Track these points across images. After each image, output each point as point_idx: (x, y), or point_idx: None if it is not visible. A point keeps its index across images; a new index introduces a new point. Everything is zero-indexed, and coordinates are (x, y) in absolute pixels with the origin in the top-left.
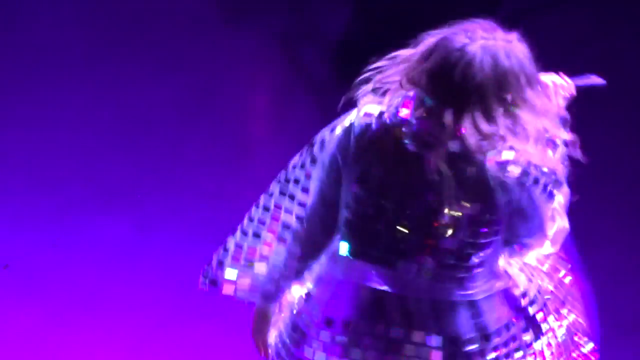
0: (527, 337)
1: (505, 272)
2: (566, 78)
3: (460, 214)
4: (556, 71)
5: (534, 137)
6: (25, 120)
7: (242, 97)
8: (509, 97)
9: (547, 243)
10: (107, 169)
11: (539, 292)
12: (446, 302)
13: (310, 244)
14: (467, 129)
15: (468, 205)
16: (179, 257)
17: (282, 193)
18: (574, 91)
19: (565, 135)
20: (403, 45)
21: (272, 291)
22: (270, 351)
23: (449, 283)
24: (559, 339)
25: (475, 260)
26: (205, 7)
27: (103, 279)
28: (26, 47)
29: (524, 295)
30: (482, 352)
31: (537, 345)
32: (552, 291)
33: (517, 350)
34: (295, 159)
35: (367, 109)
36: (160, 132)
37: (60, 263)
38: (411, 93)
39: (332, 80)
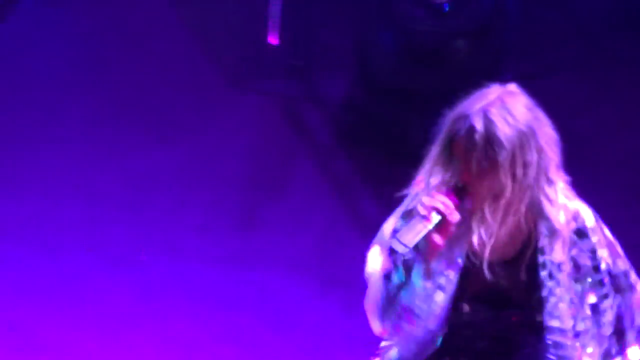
0: None
1: None
2: None
3: None
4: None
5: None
6: (28, 187)
7: (246, 162)
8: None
9: None
10: (111, 235)
11: None
12: None
13: None
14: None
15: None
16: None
17: None
18: None
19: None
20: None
21: None
22: None
23: None
24: None
25: None
26: (208, 71)
27: (105, 346)
28: (28, 110)
29: None
30: None
31: None
32: None
33: None
34: None
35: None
36: (163, 196)
37: (66, 327)
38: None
39: (335, 144)
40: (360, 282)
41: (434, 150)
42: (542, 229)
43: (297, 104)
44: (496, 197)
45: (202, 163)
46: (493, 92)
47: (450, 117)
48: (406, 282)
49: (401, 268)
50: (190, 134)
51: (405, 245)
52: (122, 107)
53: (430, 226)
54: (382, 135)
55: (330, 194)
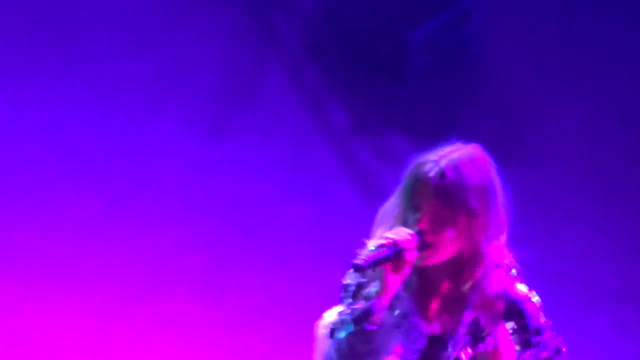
0: None
1: None
2: None
3: None
4: None
5: None
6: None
7: (216, 70)
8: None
9: None
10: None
11: None
12: None
13: None
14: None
15: None
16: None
17: None
18: None
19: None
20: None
21: None
22: None
23: None
24: None
25: None
26: None
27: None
28: None
29: None
30: None
31: None
32: None
33: None
34: None
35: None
36: (131, 104)
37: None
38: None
39: (307, 51)
40: (327, 189)
41: (395, 200)
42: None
43: (268, 11)
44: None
45: (171, 70)
46: (458, 148)
47: (415, 162)
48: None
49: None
50: (159, 42)
51: (364, 260)
52: (89, 16)
53: (389, 254)
54: (352, 43)
55: (299, 101)
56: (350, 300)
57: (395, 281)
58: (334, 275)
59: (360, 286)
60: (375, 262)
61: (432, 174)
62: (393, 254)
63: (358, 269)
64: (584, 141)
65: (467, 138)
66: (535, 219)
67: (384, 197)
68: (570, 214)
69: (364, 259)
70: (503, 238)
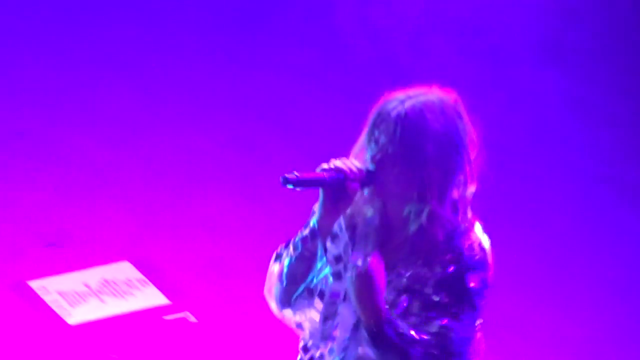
0: None
1: None
2: None
3: None
4: None
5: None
6: None
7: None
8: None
9: None
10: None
11: None
12: None
13: None
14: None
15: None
16: (187, 130)
17: None
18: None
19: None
20: None
21: None
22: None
23: None
24: None
25: None
26: None
27: (110, 148)
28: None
29: None
30: None
31: None
32: None
33: None
34: None
35: None
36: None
37: (70, 130)
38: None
39: None
40: None
41: (360, 137)
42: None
43: None
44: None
45: None
46: (433, 91)
47: (383, 97)
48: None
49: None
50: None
51: (295, 176)
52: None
53: (327, 177)
54: None
55: None
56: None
57: (333, 209)
58: None
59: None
60: (308, 182)
61: (394, 112)
62: (332, 180)
63: (285, 181)
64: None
65: None
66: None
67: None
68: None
69: (296, 175)
70: (465, 192)
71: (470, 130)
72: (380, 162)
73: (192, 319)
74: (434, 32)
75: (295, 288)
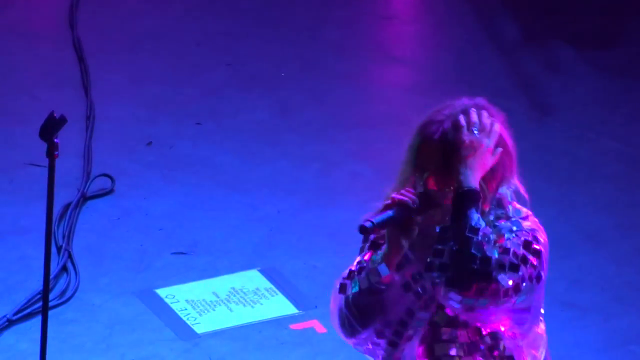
0: None
1: None
2: None
3: None
4: None
5: None
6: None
7: None
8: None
9: None
10: (249, 53)
11: None
12: None
13: None
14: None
15: None
16: (319, 141)
17: None
18: None
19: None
20: None
21: None
22: None
23: None
24: None
25: None
26: None
27: (241, 159)
28: None
29: None
30: None
31: None
32: None
33: None
34: None
35: None
36: (302, 15)
37: (202, 141)
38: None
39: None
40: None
41: (404, 161)
42: None
43: None
44: None
45: None
46: (463, 102)
47: (421, 123)
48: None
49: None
50: None
51: (371, 222)
52: None
53: (393, 214)
54: None
55: (468, 13)
56: (362, 258)
57: (401, 242)
58: None
59: (374, 245)
60: (381, 224)
61: (436, 135)
62: (398, 215)
63: (364, 231)
64: None
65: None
66: None
67: (550, 109)
68: None
69: (370, 221)
70: (507, 191)
71: (506, 135)
72: (432, 186)
73: (321, 328)
74: None
75: (369, 318)
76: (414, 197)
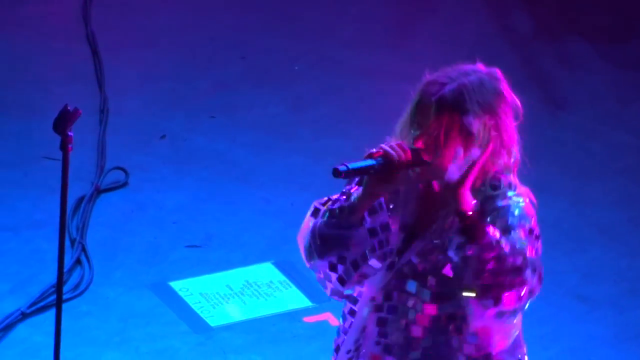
0: None
1: None
2: None
3: None
4: None
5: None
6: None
7: None
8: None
9: None
10: (262, 49)
11: None
12: None
13: None
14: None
15: None
16: (333, 136)
17: None
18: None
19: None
20: None
21: None
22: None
23: None
24: None
25: None
26: None
27: (255, 153)
28: None
29: None
30: None
31: None
32: None
33: None
34: None
35: None
36: (317, 10)
37: (216, 134)
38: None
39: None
40: None
41: (405, 114)
42: None
43: None
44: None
45: None
46: (475, 69)
47: (425, 80)
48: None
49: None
50: None
51: (345, 166)
52: None
53: (375, 163)
54: None
55: (482, 7)
56: (345, 189)
57: (378, 190)
58: None
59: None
60: (356, 170)
61: (435, 96)
62: (380, 164)
63: (337, 173)
64: None
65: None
66: None
67: (564, 103)
68: None
69: (345, 165)
70: (507, 168)
71: (511, 106)
72: (424, 144)
73: (335, 321)
74: None
75: (328, 249)
76: (401, 151)
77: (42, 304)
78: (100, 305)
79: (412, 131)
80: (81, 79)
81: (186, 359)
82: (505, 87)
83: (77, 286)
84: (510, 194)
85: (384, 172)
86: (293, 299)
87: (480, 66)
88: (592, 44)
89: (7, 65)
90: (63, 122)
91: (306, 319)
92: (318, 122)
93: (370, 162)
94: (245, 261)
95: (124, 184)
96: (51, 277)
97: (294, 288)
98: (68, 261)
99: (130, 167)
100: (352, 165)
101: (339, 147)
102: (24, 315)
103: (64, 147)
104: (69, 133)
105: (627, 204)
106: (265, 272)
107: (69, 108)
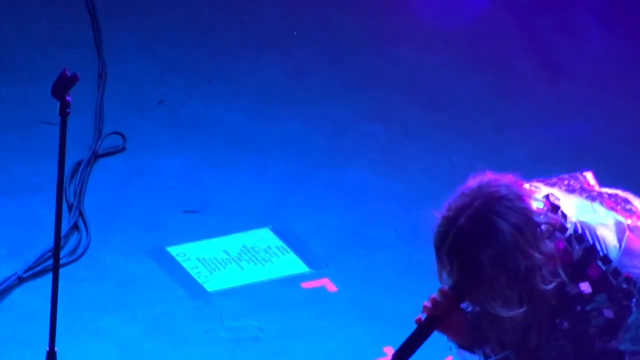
0: None
1: None
2: None
3: None
4: None
5: None
6: None
7: None
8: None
9: None
10: (262, 15)
11: None
12: None
13: None
14: None
15: None
16: (332, 102)
17: None
18: None
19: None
20: None
21: None
22: None
23: None
24: None
25: None
26: None
27: (253, 119)
28: None
29: None
30: None
31: None
32: None
33: None
34: None
35: None
36: None
37: (214, 100)
38: None
39: None
40: (505, 62)
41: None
42: None
43: None
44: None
45: None
46: (480, 195)
47: (439, 219)
48: None
49: None
50: None
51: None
52: None
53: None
54: None
55: None
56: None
57: (452, 334)
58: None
59: None
60: (414, 345)
61: (445, 246)
62: (429, 323)
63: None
64: None
65: None
66: None
67: (563, 73)
68: None
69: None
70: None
71: (527, 215)
72: (459, 277)
73: (332, 287)
74: None
75: None
76: (442, 297)
77: (39, 268)
78: (97, 270)
79: (443, 269)
80: (79, 44)
81: (183, 324)
82: (517, 197)
83: (74, 251)
84: None
85: (436, 326)
86: (291, 264)
87: (485, 185)
88: (593, 11)
89: (5, 29)
90: (61, 87)
91: (304, 285)
92: (317, 88)
93: (418, 332)
94: (243, 226)
95: (122, 149)
96: (48, 242)
97: (291, 254)
98: (65, 226)
99: (128, 132)
100: (405, 345)
101: (337, 114)
102: (20, 280)
103: (62, 112)
104: (67, 98)
105: (628, 173)
106: (263, 238)
107: (67, 73)
